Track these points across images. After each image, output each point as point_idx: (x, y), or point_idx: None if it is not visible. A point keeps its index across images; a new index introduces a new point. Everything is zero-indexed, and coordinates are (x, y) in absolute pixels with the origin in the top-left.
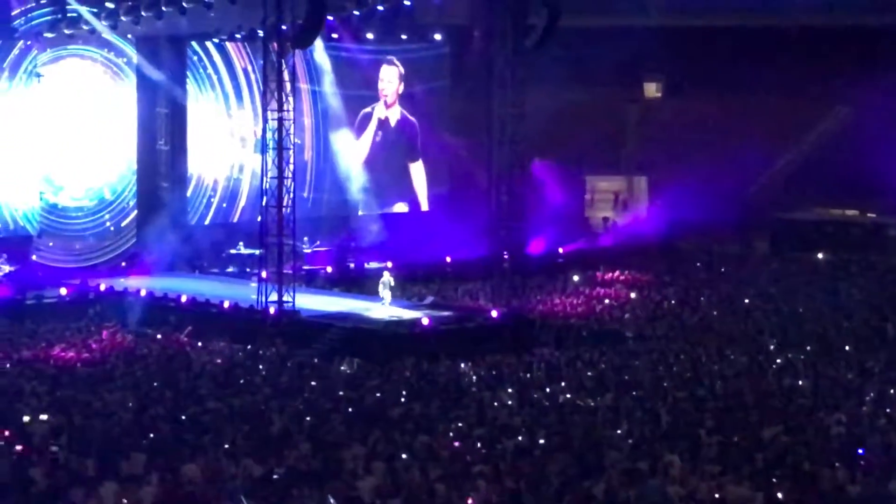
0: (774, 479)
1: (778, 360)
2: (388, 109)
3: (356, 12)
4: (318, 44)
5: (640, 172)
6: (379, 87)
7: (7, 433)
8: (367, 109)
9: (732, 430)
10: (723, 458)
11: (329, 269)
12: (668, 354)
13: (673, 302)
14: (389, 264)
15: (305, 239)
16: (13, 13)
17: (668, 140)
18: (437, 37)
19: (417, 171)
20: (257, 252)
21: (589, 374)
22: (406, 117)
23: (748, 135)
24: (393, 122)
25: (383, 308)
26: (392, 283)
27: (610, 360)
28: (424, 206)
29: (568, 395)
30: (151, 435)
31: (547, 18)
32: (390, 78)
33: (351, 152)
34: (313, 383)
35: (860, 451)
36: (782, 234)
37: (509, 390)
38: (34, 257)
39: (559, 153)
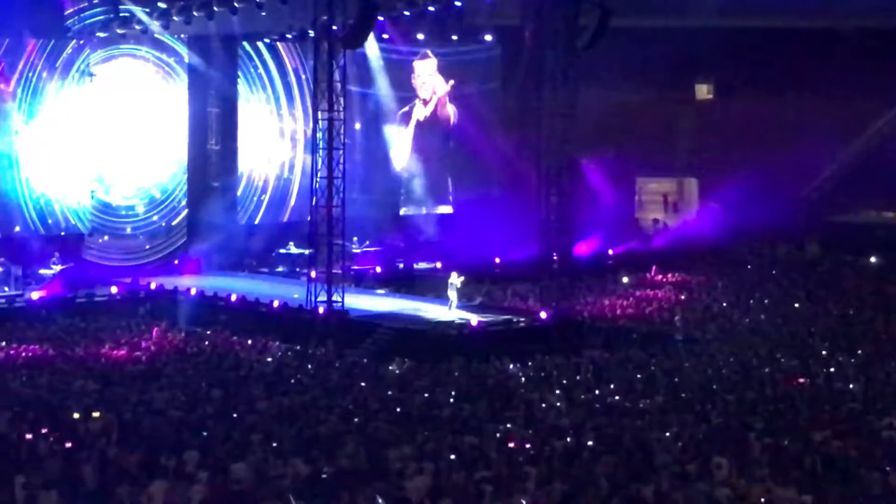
0: (824, 483)
1: (828, 364)
2: (426, 107)
3: (407, 13)
4: (372, 44)
5: (690, 174)
6: (414, 84)
7: (58, 430)
8: (405, 109)
9: (782, 434)
10: (772, 462)
11: (378, 270)
12: (718, 357)
13: (723, 304)
14: (439, 265)
15: (355, 239)
16: (66, 13)
17: (719, 142)
18: (488, 37)
19: (457, 170)
20: (307, 252)
21: (638, 376)
22: (444, 112)
23: (800, 137)
24: (424, 116)
25: (450, 311)
26: (459, 286)
27: (659, 362)
28: (449, 209)
29: (617, 397)
30: (201, 433)
31: (598, 19)
32: (428, 72)
33: (396, 153)
34: (362, 383)
35: None
36: (834, 236)
37: (558, 392)
38: (85, 255)
39: (610, 154)
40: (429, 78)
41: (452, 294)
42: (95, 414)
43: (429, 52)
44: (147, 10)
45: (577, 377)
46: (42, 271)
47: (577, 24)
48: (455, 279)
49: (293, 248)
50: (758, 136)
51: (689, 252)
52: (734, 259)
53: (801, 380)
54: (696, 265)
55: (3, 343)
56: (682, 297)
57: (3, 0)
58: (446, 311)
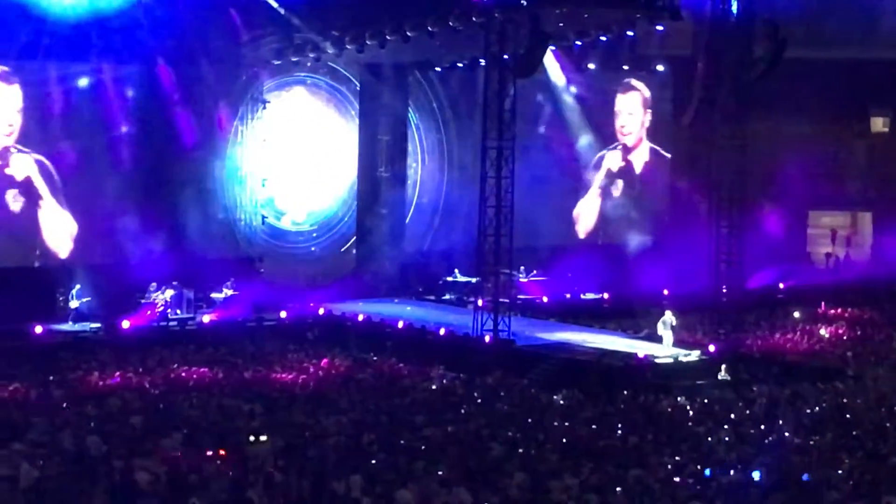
0: None
1: None
2: (632, 153)
3: (578, 42)
4: (555, 70)
5: (865, 208)
6: (616, 125)
7: (227, 453)
8: (601, 154)
9: None
10: None
11: (545, 299)
12: (891, 394)
13: None
14: (606, 295)
15: (522, 268)
16: (241, 40)
17: (894, 176)
18: (660, 67)
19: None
20: (473, 280)
21: (808, 411)
22: (658, 155)
23: None
24: (639, 168)
25: (666, 349)
26: (674, 323)
27: (830, 398)
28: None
29: (786, 433)
30: (366, 459)
31: (771, 50)
32: (631, 108)
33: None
34: (527, 413)
35: None
36: None
37: (726, 426)
38: (256, 280)
39: (782, 187)
40: (629, 118)
41: (667, 333)
42: (263, 438)
43: (632, 81)
44: (321, 37)
45: (746, 412)
46: (213, 295)
47: (750, 55)
48: (669, 317)
49: (459, 276)
50: None
51: (862, 287)
52: None
53: None
54: (869, 301)
55: (175, 365)
56: (855, 333)
57: (182, 28)
58: (663, 348)
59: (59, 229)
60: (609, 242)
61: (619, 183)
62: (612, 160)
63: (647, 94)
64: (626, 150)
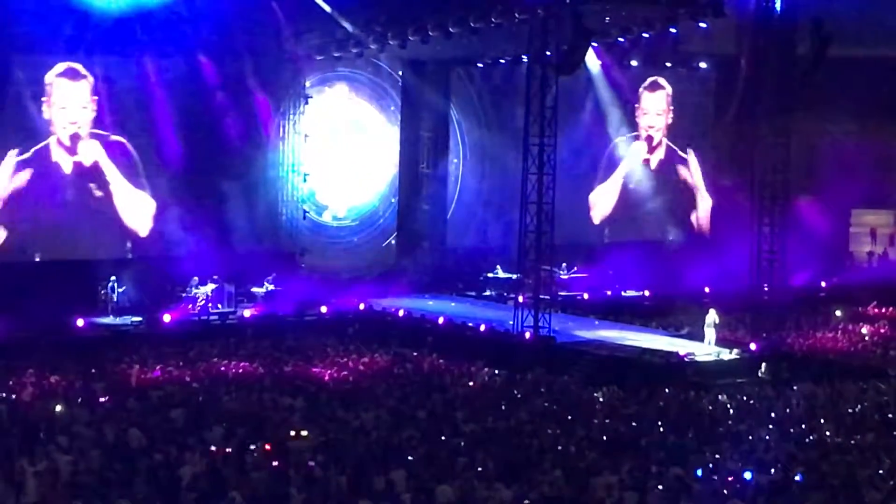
0: None
1: None
2: (654, 152)
3: (621, 39)
4: (595, 68)
5: None
6: (639, 123)
7: (267, 447)
8: (621, 139)
9: None
10: None
11: (586, 296)
12: None
13: None
14: (647, 293)
15: (563, 265)
16: (284, 36)
17: None
18: (703, 65)
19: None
20: (514, 276)
21: (849, 410)
22: (676, 155)
23: None
24: (655, 164)
25: (707, 347)
26: (718, 321)
27: (872, 397)
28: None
29: (827, 432)
30: (406, 455)
31: (816, 48)
32: (656, 108)
33: (606, 187)
34: (567, 409)
35: None
36: None
37: (768, 425)
38: (297, 274)
39: (825, 184)
40: (657, 118)
41: (710, 331)
42: (303, 432)
43: (660, 80)
44: (364, 33)
45: (787, 410)
46: (254, 289)
47: (793, 53)
48: (714, 316)
49: (500, 273)
50: None
51: None
52: None
53: None
54: None
55: (215, 359)
56: None
57: (225, 23)
58: (704, 347)
59: (137, 208)
60: (647, 239)
61: (635, 177)
62: (638, 151)
63: (671, 91)
64: (650, 147)
